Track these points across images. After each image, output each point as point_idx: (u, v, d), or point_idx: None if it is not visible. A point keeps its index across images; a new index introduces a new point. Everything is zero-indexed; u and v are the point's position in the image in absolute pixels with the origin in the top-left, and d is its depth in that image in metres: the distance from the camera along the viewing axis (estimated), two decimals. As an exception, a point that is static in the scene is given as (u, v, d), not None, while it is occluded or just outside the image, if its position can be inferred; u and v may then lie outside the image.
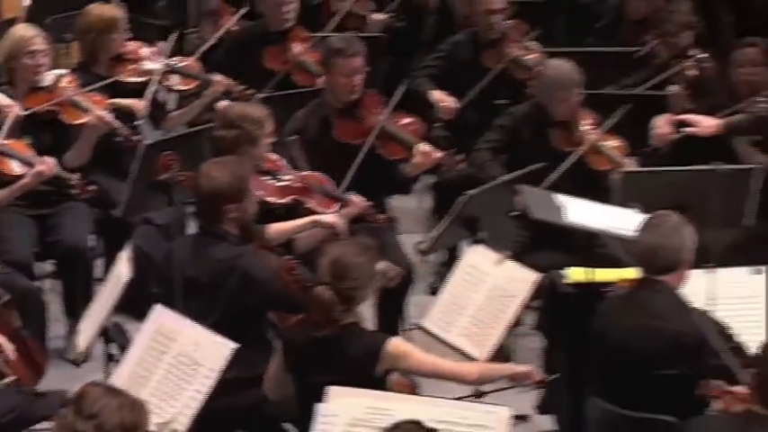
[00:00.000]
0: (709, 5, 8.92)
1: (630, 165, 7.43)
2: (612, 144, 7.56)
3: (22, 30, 7.53)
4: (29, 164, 6.97)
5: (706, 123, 6.87)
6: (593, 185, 7.38)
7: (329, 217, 6.66)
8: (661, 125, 6.97)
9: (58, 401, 5.48)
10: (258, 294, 5.84)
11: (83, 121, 7.31)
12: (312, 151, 7.19)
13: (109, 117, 7.32)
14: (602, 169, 7.50)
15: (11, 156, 6.99)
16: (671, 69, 8.33)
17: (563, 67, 7.65)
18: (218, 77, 8.09)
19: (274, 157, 6.84)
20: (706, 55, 8.35)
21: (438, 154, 7.33)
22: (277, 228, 6.49)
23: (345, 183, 7.04)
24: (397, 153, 7.37)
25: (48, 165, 6.96)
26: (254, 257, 5.94)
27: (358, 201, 6.92)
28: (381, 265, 5.73)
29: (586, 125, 7.59)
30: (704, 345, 5.34)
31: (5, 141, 6.98)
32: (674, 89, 8.09)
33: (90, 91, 7.49)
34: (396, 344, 5.38)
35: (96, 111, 7.31)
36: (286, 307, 5.94)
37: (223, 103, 7.69)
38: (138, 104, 7.75)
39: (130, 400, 4.50)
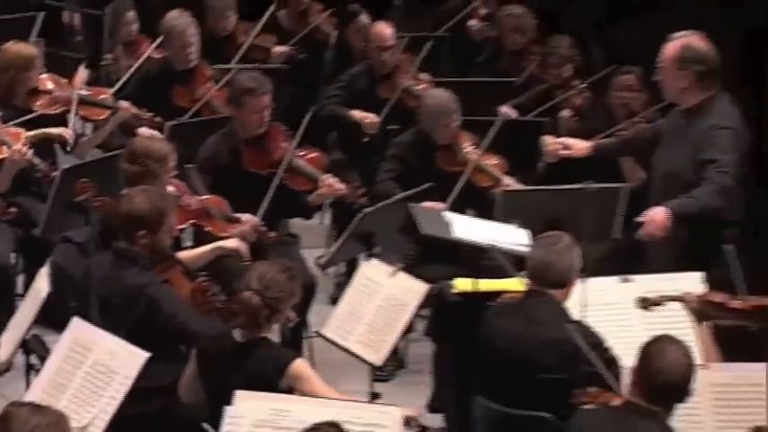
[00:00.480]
0: (583, 42, 9.04)
1: (510, 181, 7.50)
2: (492, 162, 7.62)
3: None
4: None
5: (578, 146, 6.91)
6: (477, 201, 7.48)
7: (232, 242, 6.60)
8: (551, 142, 7.04)
9: None
10: (162, 323, 5.78)
11: (3, 156, 7.25)
12: (222, 178, 7.23)
13: (29, 153, 7.25)
14: (484, 186, 7.55)
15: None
16: (557, 98, 8.44)
17: (442, 96, 7.70)
18: (124, 104, 8.04)
19: (176, 182, 6.83)
20: (585, 85, 8.53)
21: (342, 186, 7.38)
22: (185, 255, 6.43)
23: (261, 211, 7.07)
24: (302, 185, 7.39)
25: None
26: (161, 287, 5.88)
27: (250, 220, 6.96)
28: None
29: (468, 147, 7.63)
30: (580, 353, 5.36)
31: None
32: (564, 114, 8.24)
33: (14, 125, 7.44)
34: (300, 366, 5.38)
35: (15, 146, 7.24)
36: (183, 339, 5.85)
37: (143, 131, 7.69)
38: (67, 132, 7.71)
39: (57, 415, 4.46)
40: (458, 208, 7.14)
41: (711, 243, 6.22)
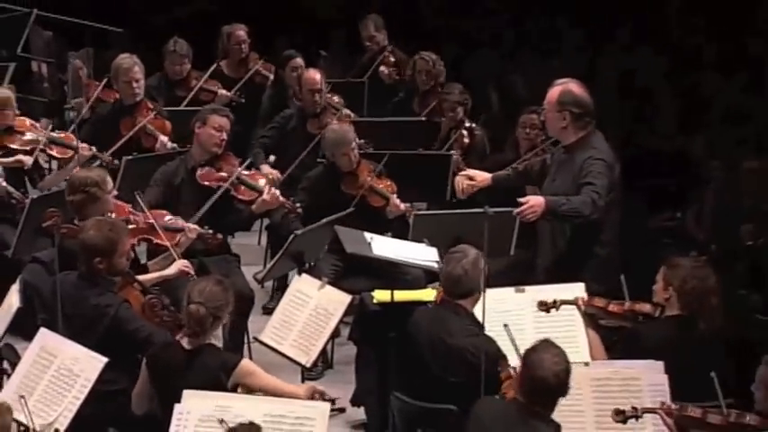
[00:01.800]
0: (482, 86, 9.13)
1: (399, 204, 7.56)
2: (384, 184, 7.64)
3: None
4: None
5: (480, 177, 6.95)
6: (375, 221, 7.46)
7: (171, 270, 6.49)
8: (460, 181, 7.08)
9: None
10: (127, 337, 5.74)
11: None
12: (176, 193, 7.24)
13: (3, 184, 7.22)
14: (378, 206, 7.59)
15: None
16: (452, 138, 8.50)
17: (341, 129, 7.75)
18: (84, 146, 7.97)
19: (121, 204, 6.80)
20: (474, 125, 8.60)
21: (281, 198, 7.39)
22: (141, 278, 6.34)
23: (200, 214, 7.09)
24: (247, 195, 7.40)
25: None
26: (122, 307, 5.83)
27: (194, 228, 6.92)
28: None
29: (367, 173, 7.65)
30: (481, 363, 5.34)
31: None
32: (454, 156, 8.25)
33: None
34: (246, 365, 5.39)
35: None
36: (138, 349, 5.77)
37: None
38: (27, 159, 7.71)
39: None
40: (377, 231, 7.12)
41: (586, 256, 6.38)
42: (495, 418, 4.88)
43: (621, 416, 4.96)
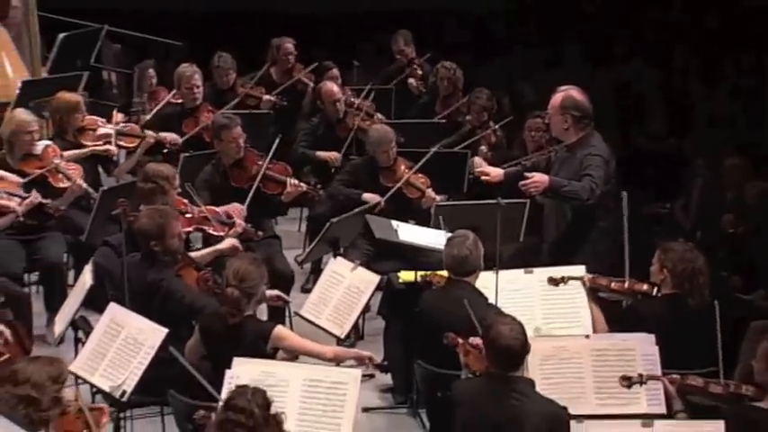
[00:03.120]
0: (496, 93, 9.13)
1: (437, 196, 7.50)
2: (420, 180, 7.60)
3: (23, 115, 7.36)
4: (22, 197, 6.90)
5: (495, 173, 6.95)
6: (408, 210, 7.45)
7: (226, 243, 6.57)
8: (478, 163, 7.09)
9: None
10: (176, 305, 5.79)
11: (66, 185, 7.20)
12: (217, 193, 7.21)
13: (84, 185, 7.21)
14: (413, 197, 7.54)
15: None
16: (477, 135, 8.46)
17: (383, 129, 7.72)
18: (149, 133, 8.04)
19: (180, 199, 6.81)
20: (497, 127, 8.56)
21: (303, 185, 7.39)
22: (195, 255, 6.41)
23: (243, 214, 7.04)
24: (275, 189, 7.38)
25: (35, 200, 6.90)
26: (175, 282, 5.89)
27: (240, 223, 6.91)
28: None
29: (404, 168, 7.62)
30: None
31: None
32: (482, 149, 8.24)
33: (68, 159, 7.38)
34: (279, 330, 5.40)
35: (76, 180, 7.21)
36: (187, 316, 5.85)
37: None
38: (112, 149, 7.76)
39: (47, 359, 4.50)
40: (402, 218, 7.11)
41: (584, 238, 6.39)
42: (478, 395, 4.78)
43: (628, 381, 4.94)
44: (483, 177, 6.95)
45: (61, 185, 7.22)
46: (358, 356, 5.46)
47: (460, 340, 5.18)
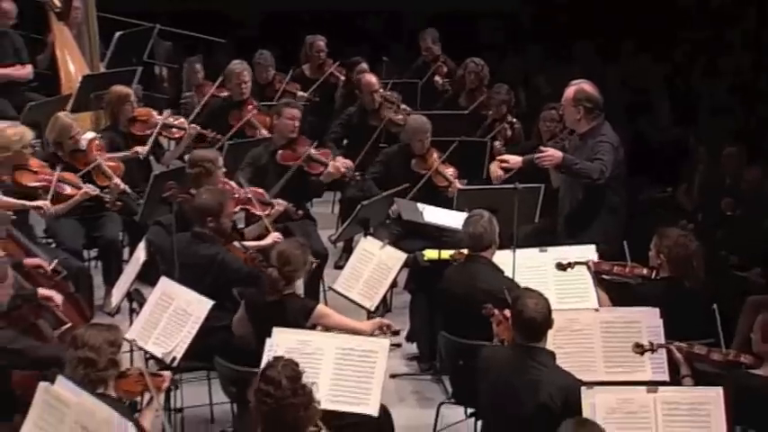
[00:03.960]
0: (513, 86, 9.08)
1: (461, 183, 7.48)
2: (448, 171, 7.54)
3: (64, 119, 7.29)
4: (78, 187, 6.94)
5: (513, 161, 6.91)
6: (436, 196, 7.39)
7: (268, 241, 6.44)
8: (494, 170, 7.07)
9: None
10: (232, 275, 5.82)
11: (107, 183, 7.18)
12: (260, 171, 7.24)
13: (122, 185, 7.18)
14: (441, 185, 7.51)
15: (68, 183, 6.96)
16: (496, 129, 8.42)
17: (421, 119, 7.70)
18: (193, 126, 8.00)
19: (227, 181, 6.81)
20: (515, 120, 8.52)
21: (343, 168, 7.40)
22: (249, 244, 6.36)
23: (281, 183, 7.14)
24: (317, 169, 7.40)
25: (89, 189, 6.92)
26: (225, 253, 5.91)
27: (282, 203, 6.92)
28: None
29: (435, 157, 7.59)
30: (507, 298, 5.27)
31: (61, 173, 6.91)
32: (496, 144, 8.18)
33: (112, 158, 7.36)
34: (321, 308, 5.42)
35: (114, 179, 7.17)
36: (245, 283, 5.87)
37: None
38: (143, 149, 7.66)
39: (106, 325, 4.54)
40: (427, 202, 7.10)
41: (594, 216, 6.39)
42: (502, 361, 4.80)
43: (640, 348, 4.92)
44: (503, 165, 6.93)
45: (103, 184, 7.20)
46: (378, 325, 5.47)
47: (496, 311, 5.16)
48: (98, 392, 4.32)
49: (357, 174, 7.56)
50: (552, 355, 4.76)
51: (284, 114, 7.37)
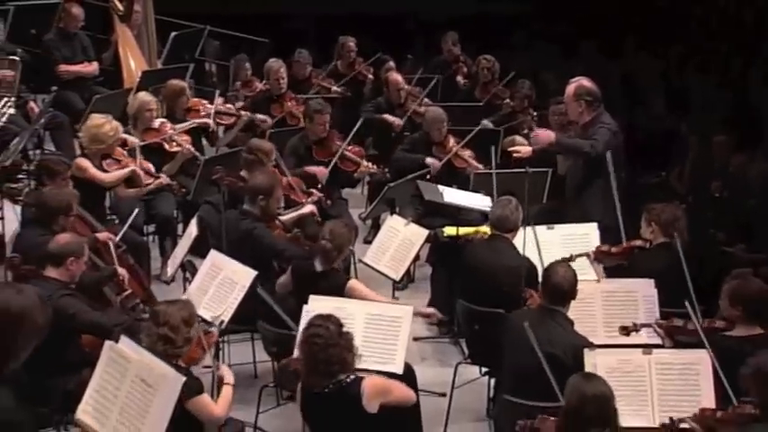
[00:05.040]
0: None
1: (479, 166, 7.41)
2: (467, 153, 7.55)
3: (146, 96, 7.43)
4: (155, 177, 6.95)
5: (524, 150, 6.91)
6: (455, 177, 7.39)
7: (306, 209, 6.58)
8: (514, 149, 7.06)
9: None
10: (266, 250, 5.83)
11: (176, 150, 7.25)
12: (301, 161, 7.24)
13: (192, 149, 7.25)
14: (460, 167, 7.50)
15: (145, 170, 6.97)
16: (518, 119, 8.39)
17: (436, 110, 7.68)
18: (244, 113, 8.10)
19: (274, 169, 6.77)
20: (536, 113, 8.47)
21: (374, 167, 7.43)
22: (284, 218, 6.41)
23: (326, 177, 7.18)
24: (350, 167, 7.42)
25: (164, 179, 6.95)
26: (264, 229, 5.90)
27: (317, 193, 6.92)
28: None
29: (453, 142, 7.57)
30: (524, 274, 5.42)
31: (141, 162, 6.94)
32: (508, 140, 8.06)
33: (179, 130, 7.44)
34: (353, 283, 5.42)
35: (185, 145, 7.27)
36: (281, 257, 5.88)
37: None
38: (210, 122, 7.80)
39: (183, 302, 4.55)
40: (447, 183, 7.08)
41: (595, 195, 6.34)
42: (526, 320, 4.80)
43: (625, 330, 4.90)
44: (515, 155, 6.91)
45: (173, 150, 7.26)
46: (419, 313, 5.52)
47: (531, 291, 5.19)
48: (173, 364, 4.31)
49: (386, 170, 7.54)
50: (571, 321, 4.80)
51: (316, 121, 7.33)
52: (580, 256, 5.58)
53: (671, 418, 4.19)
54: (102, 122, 6.71)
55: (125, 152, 6.91)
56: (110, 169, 6.74)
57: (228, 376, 4.57)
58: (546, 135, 6.41)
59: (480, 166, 7.42)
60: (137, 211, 6.38)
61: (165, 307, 4.47)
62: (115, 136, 6.74)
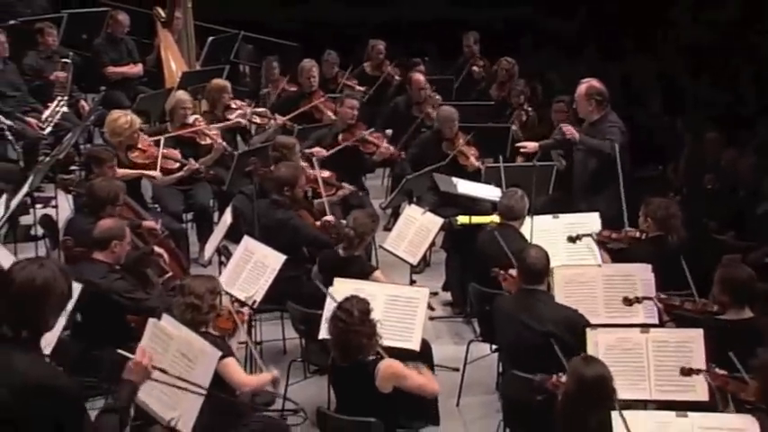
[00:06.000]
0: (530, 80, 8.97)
1: (477, 164, 7.34)
2: (471, 151, 7.48)
3: (182, 95, 7.45)
4: (183, 163, 6.95)
5: (531, 146, 6.90)
6: (461, 171, 7.34)
7: (341, 192, 6.71)
8: (520, 145, 7.00)
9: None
10: (302, 238, 5.85)
11: (207, 143, 7.25)
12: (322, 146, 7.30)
13: (223, 143, 7.24)
14: (464, 163, 7.44)
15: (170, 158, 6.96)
16: (514, 116, 8.35)
17: (449, 110, 7.64)
18: (279, 117, 8.10)
19: (303, 163, 6.81)
20: (530, 109, 8.42)
21: (392, 150, 7.43)
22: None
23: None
24: (369, 149, 7.43)
25: (193, 164, 6.96)
26: (297, 219, 5.92)
27: (349, 187, 6.95)
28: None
29: (462, 140, 7.51)
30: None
31: (164, 150, 6.92)
32: (514, 127, 8.06)
33: (218, 128, 7.47)
34: (376, 273, 5.44)
35: (217, 140, 7.27)
36: (315, 245, 5.92)
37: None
38: (244, 121, 7.83)
39: (207, 276, 4.58)
40: (455, 176, 7.05)
41: (601, 187, 6.30)
42: (510, 305, 4.85)
43: (628, 301, 4.89)
44: (522, 150, 6.87)
45: (205, 143, 7.25)
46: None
47: (502, 272, 5.14)
48: (201, 331, 4.35)
49: (402, 153, 7.55)
50: (551, 296, 4.81)
51: (345, 104, 7.40)
52: (585, 236, 5.56)
53: (690, 368, 4.19)
54: (117, 116, 6.74)
55: (152, 142, 6.91)
56: (135, 159, 6.76)
57: (275, 373, 4.54)
58: (571, 133, 6.35)
59: (478, 164, 7.36)
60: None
61: (190, 280, 4.53)
62: (131, 128, 6.71)
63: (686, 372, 4.25)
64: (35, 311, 3.02)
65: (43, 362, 3.08)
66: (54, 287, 3.04)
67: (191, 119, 7.38)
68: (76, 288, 4.62)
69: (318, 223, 6.11)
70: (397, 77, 9.37)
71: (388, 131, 8.22)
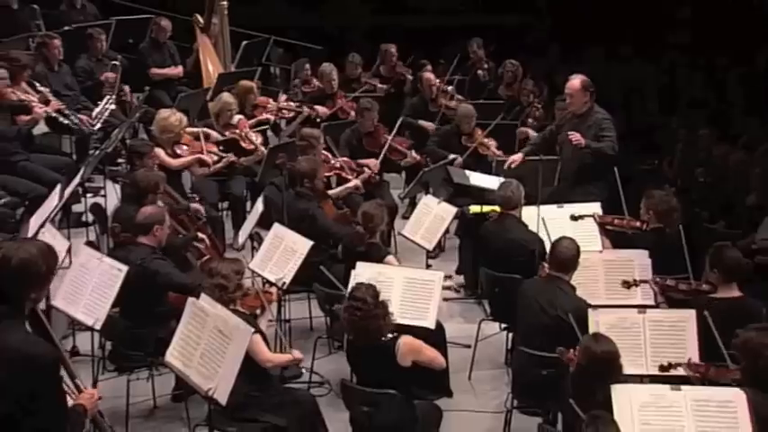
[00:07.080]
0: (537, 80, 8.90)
1: (499, 153, 7.32)
2: (492, 143, 7.47)
3: (228, 98, 7.44)
4: (221, 156, 6.94)
5: (516, 157, 6.69)
6: (481, 163, 7.32)
7: (352, 184, 6.62)
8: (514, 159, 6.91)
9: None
10: (318, 229, 5.79)
11: (250, 147, 7.23)
12: (354, 152, 7.25)
13: (264, 151, 7.12)
14: (484, 154, 7.42)
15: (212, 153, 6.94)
16: (525, 111, 8.30)
17: (468, 107, 7.62)
18: (305, 109, 8.09)
19: (325, 153, 6.81)
20: (540, 105, 8.35)
21: (418, 157, 7.42)
22: (333, 191, 6.42)
23: (377, 168, 7.10)
24: (397, 156, 7.40)
25: (230, 157, 6.94)
26: (318, 209, 5.89)
27: (369, 172, 6.90)
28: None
29: (479, 134, 7.49)
30: (533, 246, 5.35)
31: (206, 146, 6.91)
32: (529, 121, 8.00)
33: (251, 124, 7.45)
34: (389, 257, 5.39)
35: (259, 146, 7.21)
36: (333, 238, 5.87)
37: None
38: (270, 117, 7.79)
39: (232, 259, 4.60)
40: (474, 168, 7.00)
41: (600, 181, 6.19)
42: (534, 288, 4.83)
43: (627, 284, 4.85)
44: (511, 165, 6.74)
45: (248, 147, 7.23)
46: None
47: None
48: (231, 308, 4.36)
49: (427, 158, 7.51)
50: (573, 287, 4.76)
51: (365, 116, 7.35)
52: (586, 216, 5.51)
53: (669, 363, 4.15)
54: (168, 115, 6.75)
55: (192, 138, 6.92)
56: (182, 153, 6.76)
57: (298, 355, 4.51)
58: (577, 139, 6.25)
59: (500, 153, 7.32)
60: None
61: (217, 263, 4.54)
62: (180, 125, 6.73)
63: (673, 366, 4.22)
64: (12, 288, 3.02)
65: (22, 330, 3.04)
66: (28, 265, 3.02)
67: (235, 119, 7.42)
68: (123, 269, 4.67)
69: (339, 212, 6.08)
70: (408, 76, 9.35)
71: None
